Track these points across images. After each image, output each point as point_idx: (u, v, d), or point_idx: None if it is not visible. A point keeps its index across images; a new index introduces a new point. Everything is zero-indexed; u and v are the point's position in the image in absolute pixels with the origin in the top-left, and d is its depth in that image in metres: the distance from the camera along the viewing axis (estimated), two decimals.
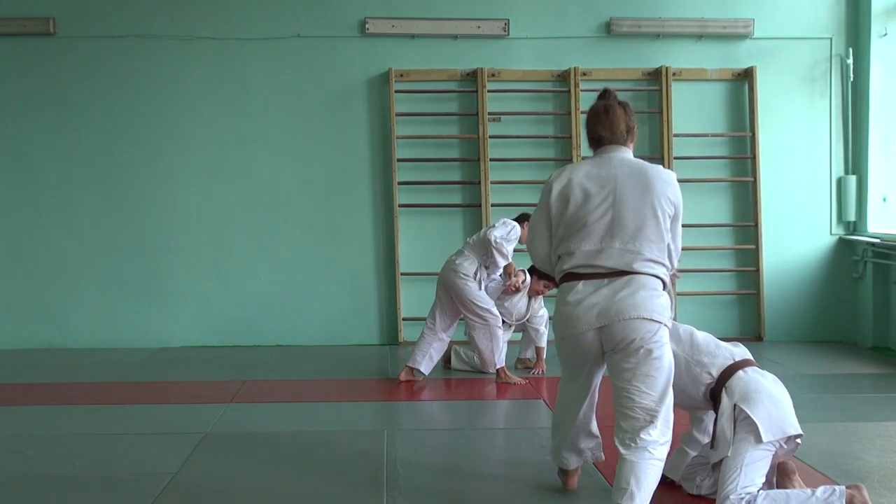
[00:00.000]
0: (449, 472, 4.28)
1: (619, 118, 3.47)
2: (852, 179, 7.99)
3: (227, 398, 5.79)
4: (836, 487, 3.36)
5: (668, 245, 3.42)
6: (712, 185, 7.98)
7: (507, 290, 6.39)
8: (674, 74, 7.95)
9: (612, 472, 4.12)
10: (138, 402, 5.76)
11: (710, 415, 3.75)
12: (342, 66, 7.91)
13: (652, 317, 3.28)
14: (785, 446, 3.55)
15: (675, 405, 3.41)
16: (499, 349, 6.26)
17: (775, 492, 3.42)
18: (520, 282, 6.34)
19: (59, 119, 7.79)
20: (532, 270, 6.38)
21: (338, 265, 7.94)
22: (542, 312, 6.58)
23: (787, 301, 8.03)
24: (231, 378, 6.47)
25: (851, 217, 8.00)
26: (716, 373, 3.62)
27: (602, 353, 3.41)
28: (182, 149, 7.85)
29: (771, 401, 3.50)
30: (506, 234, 6.13)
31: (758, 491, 3.39)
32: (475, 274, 6.18)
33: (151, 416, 5.39)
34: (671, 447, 3.40)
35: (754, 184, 8.01)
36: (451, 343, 6.66)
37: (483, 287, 6.26)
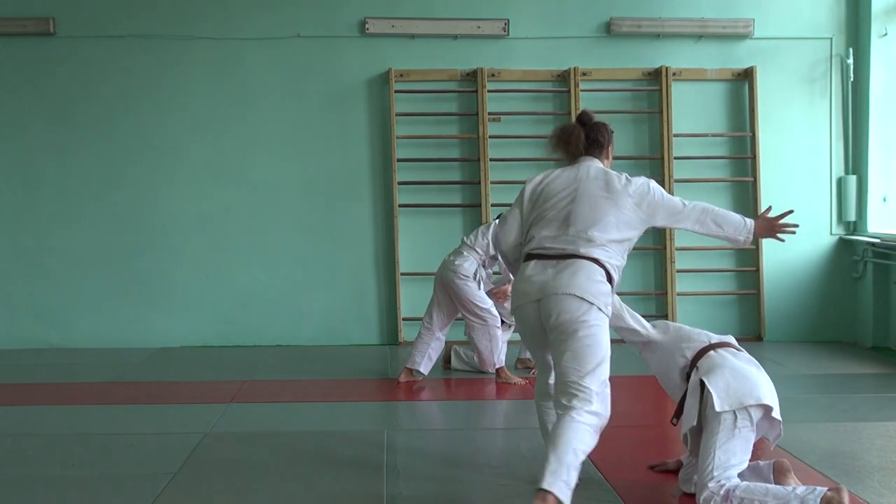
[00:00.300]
0: (449, 473, 4.28)
1: (576, 137, 3.95)
2: (852, 179, 7.99)
3: (227, 398, 5.79)
4: (818, 488, 3.36)
5: (660, 223, 3.74)
6: (712, 185, 7.97)
7: (496, 297, 6.39)
8: (674, 74, 7.95)
9: (611, 469, 4.15)
10: (138, 402, 5.76)
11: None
12: (342, 66, 7.91)
13: (584, 296, 3.50)
14: (763, 424, 3.59)
15: (666, 391, 3.68)
16: (498, 349, 6.27)
17: (755, 484, 3.45)
18: (508, 290, 6.34)
19: (59, 119, 7.79)
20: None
21: (337, 265, 7.95)
22: None
23: (787, 301, 8.03)
24: (231, 378, 6.47)
25: (851, 217, 8.00)
26: (690, 355, 3.77)
27: (545, 329, 3.63)
28: (182, 149, 7.86)
29: (733, 373, 3.58)
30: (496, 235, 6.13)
31: (738, 480, 3.43)
32: (475, 274, 6.18)
33: (151, 416, 5.39)
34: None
35: (754, 184, 8.01)
36: (451, 343, 6.67)
37: (482, 287, 6.26)
